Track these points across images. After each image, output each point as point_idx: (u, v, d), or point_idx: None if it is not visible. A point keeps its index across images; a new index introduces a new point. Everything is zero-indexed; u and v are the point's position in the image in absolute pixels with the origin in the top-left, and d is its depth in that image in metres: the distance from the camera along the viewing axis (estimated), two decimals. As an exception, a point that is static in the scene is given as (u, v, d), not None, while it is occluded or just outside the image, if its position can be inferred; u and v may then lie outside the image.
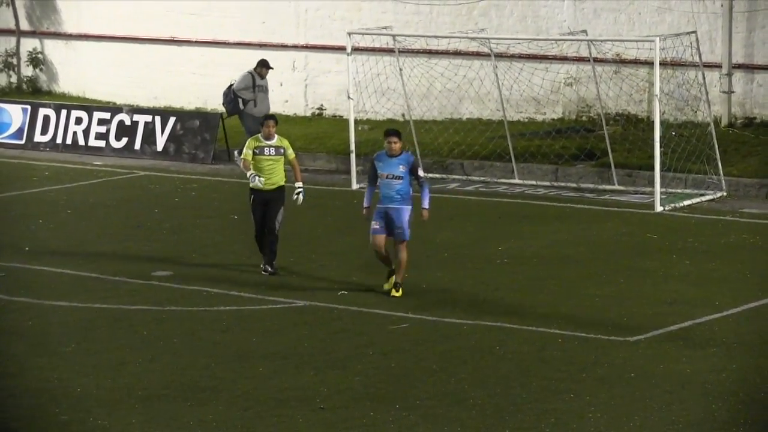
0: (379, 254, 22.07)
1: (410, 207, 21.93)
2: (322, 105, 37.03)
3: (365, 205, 22.26)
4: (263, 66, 32.79)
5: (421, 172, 22.11)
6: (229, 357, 19.34)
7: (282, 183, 23.55)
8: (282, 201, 23.48)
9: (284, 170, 23.63)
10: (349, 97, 31.51)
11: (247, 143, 23.74)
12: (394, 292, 21.94)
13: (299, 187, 23.60)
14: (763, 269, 23.58)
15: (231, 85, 32.58)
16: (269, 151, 23.41)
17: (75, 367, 19.05)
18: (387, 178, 21.84)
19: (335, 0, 36.82)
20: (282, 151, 23.48)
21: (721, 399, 17.30)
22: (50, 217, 28.86)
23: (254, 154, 23.33)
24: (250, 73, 32.71)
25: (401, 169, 21.77)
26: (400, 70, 32.51)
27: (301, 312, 21.55)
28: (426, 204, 21.93)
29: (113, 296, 22.56)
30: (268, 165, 23.35)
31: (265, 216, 23.40)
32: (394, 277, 22.05)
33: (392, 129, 22.51)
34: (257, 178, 23.18)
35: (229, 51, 37.95)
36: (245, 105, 32.27)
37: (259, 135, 23.67)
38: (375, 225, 21.92)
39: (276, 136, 23.53)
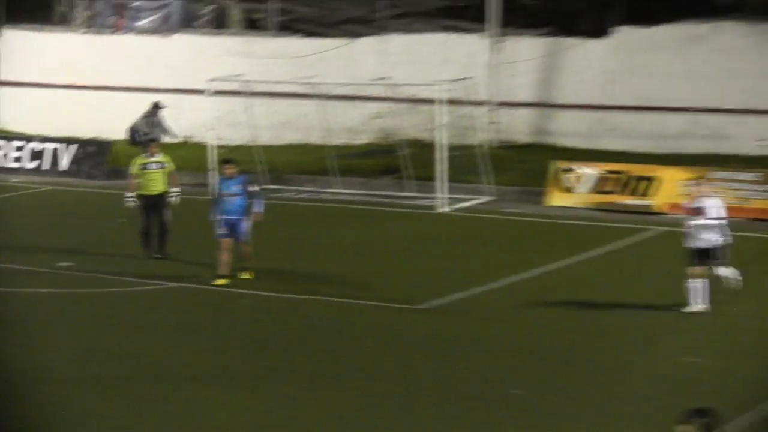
0: (223, 254, 21.63)
1: (247, 216, 21.73)
2: (189, 134, 37.01)
3: (212, 217, 21.99)
4: (155, 107, 33.11)
5: (253, 188, 21.91)
6: (129, 329, 19.24)
7: (164, 189, 23.89)
8: (164, 203, 23.83)
9: (166, 180, 23.99)
10: (210, 129, 31.54)
11: (133, 161, 24.23)
12: (246, 275, 21.83)
13: (175, 192, 23.90)
14: (519, 254, 24.04)
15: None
16: (152, 165, 23.90)
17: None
18: (227, 196, 21.72)
19: (198, 54, 36.81)
20: (163, 165, 23.93)
21: (486, 352, 17.70)
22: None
23: (141, 169, 23.81)
24: (146, 112, 33.00)
25: (237, 188, 21.65)
26: (249, 107, 32.63)
27: (174, 291, 21.57)
28: (258, 208, 21.74)
29: (27, 282, 22.33)
30: (153, 176, 23.83)
31: (150, 215, 23.77)
32: (220, 279, 21.53)
33: (226, 158, 22.46)
34: (129, 201, 23.89)
35: (116, 94, 37.69)
36: (145, 136, 32.29)
37: (144, 154, 24.22)
38: (221, 231, 21.72)
39: (159, 154, 24.06)
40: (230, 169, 21.89)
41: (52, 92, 38.66)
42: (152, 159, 23.98)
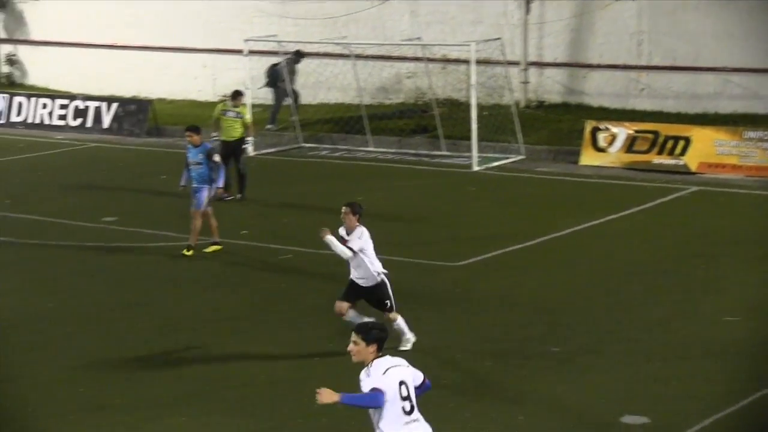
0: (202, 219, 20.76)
1: (208, 186, 20.62)
2: (225, 93, 36.59)
3: (180, 183, 21.22)
4: (297, 54, 32.54)
5: (215, 158, 20.82)
6: (164, 281, 19.27)
7: (239, 136, 25.13)
8: (240, 149, 25.08)
9: (243, 129, 25.25)
10: (246, 88, 31.13)
11: (217, 106, 26.31)
12: (185, 252, 20.56)
13: (249, 140, 25.63)
14: (552, 212, 23.44)
15: (275, 64, 32.18)
16: (230, 113, 25.27)
17: (45, 289, 18.78)
18: (191, 164, 20.79)
19: (233, 15, 36.39)
20: (239, 115, 25.24)
21: (522, 307, 17.43)
22: (25, 177, 28.35)
23: (221, 114, 25.41)
24: (288, 58, 32.24)
25: (200, 157, 20.67)
26: (284, 67, 32.28)
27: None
28: (220, 184, 20.72)
29: (74, 236, 22.20)
30: (229, 123, 25.15)
31: (228, 161, 24.16)
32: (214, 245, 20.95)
33: (190, 126, 21.42)
34: (213, 139, 24.83)
35: (156, 54, 37.38)
36: (282, 83, 31.97)
37: (227, 101, 25.74)
38: (193, 200, 20.80)
39: (238, 105, 25.49)
40: (191, 137, 20.90)
41: (95, 52, 38.38)
42: (232, 108, 25.34)
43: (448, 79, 32.96)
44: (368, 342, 9.73)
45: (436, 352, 15.52)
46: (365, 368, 9.74)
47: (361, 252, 15.50)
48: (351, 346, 9.77)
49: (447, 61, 32.76)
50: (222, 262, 20.34)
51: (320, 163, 29.45)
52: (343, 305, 15.68)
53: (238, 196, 24.88)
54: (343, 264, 18.93)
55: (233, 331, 16.67)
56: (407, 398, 9.69)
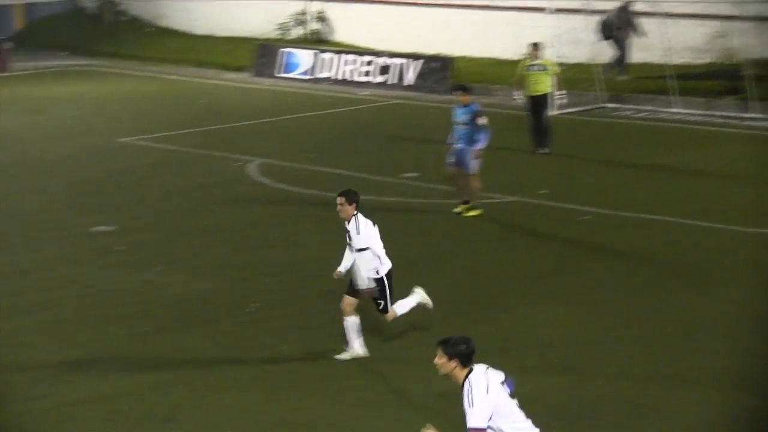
0: (454, 182, 20.81)
1: (471, 147, 20.26)
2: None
3: (448, 141, 21.02)
4: (627, 3, 32.52)
5: (480, 121, 20.33)
6: (460, 238, 19.33)
7: (545, 90, 25.02)
8: (545, 103, 25.03)
9: (549, 82, 25.08)
10: (550, 46, 30.77)
11: (520, 63, 26.33)
12: (463, 209, 20.49)
13: (560, 95, 25.77)
14: None
15: (605, 17, 32.31)
16: (534, 68, 25.13)
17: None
18: (457, 123, 20.59)
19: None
20: (545, 68, 25.05)
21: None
22: (330, 132, 28.88)
23: (525, 70, 25.21)
24: (619, 7, 32.31)
25: (466, 117, 20.40)
26: (589, 25, 31.78)
27: (512, 205, 21.20)
28: (479, 145, 20.28)
29: (374, 190, 22.29)
30: (534, 77, 24.99)
31: (536, 113, 24.91)
32: (463, 205, 20.61)
33: (460, 85, 21.00)
34: (516, 98, 25.63)
35: (459, 11, 37.50)
36: (617, 30, 32.13)
37: (530, 57, 25.68)
38: (450, 159, 20.72)
39: (540, 57, 25.25)
40: (463, 97, 20.67)
41: (399, 9, 38.85)
42: (535, 61, 25.19)
43: (763, 39, 31.61)
44: (449, 356, 9.29)
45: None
46: (463, 389, 9.21)
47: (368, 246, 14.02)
48: (436, 359, 9.36)
49: (763, 19, 31.44)
50: (519, 221, 20.22)
51: (623, 124, 28.90)
52: (346, 301, 14.26)
53: (542, 150, 24.92)
54: (648, 227, 18.53)
55: (524, 292, 16.48)
56: (514, 395, 9.38)
